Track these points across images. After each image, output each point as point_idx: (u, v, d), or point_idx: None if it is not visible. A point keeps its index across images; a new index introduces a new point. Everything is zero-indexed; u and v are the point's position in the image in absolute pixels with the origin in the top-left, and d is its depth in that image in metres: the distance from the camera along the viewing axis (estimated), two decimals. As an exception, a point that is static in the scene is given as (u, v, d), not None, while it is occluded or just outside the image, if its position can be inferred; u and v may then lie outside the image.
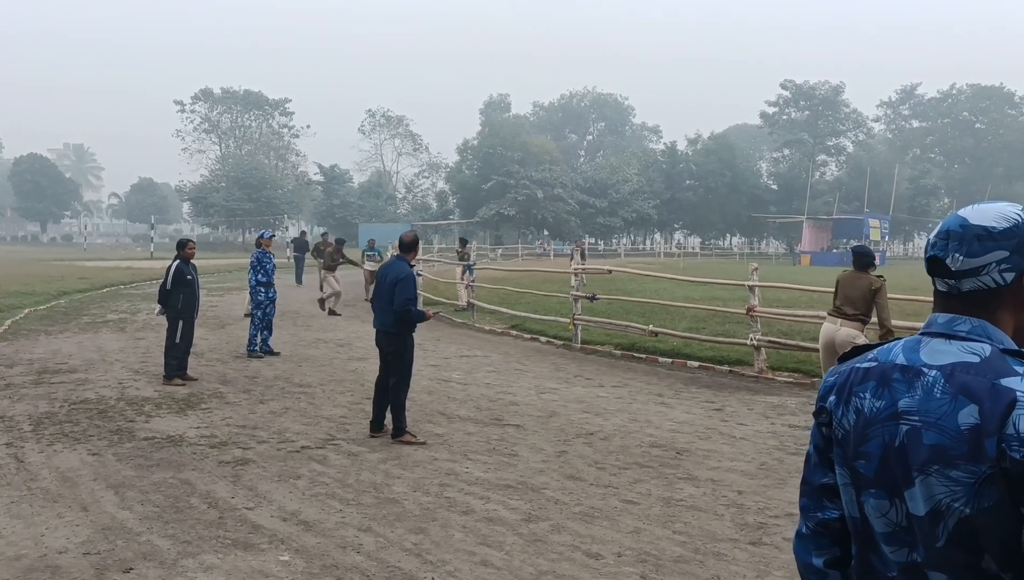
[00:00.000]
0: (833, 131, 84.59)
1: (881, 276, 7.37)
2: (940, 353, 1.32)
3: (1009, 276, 1.31)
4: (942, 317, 1.36)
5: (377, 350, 7.40)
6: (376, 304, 7.24)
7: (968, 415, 1.23)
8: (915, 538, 1.31)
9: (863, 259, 7.45)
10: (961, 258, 1.33)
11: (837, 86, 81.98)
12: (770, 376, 10.33)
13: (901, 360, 1.35)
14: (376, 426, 7.13)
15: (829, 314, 7.48)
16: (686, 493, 5.65)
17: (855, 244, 7.76)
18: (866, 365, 1.41)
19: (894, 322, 10.48)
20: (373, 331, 7.44)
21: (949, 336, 1.33)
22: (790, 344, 10.88)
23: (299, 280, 25.71)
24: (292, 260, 26.96)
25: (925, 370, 1.31)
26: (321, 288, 19.61)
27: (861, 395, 1.39)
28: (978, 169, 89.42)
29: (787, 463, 6.46)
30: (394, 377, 7.00)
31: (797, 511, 5.29)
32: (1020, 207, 1.35)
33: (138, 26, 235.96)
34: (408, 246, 7.36)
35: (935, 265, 1.36)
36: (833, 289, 7.66)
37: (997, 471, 1.20)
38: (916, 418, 1.29)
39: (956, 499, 1.23)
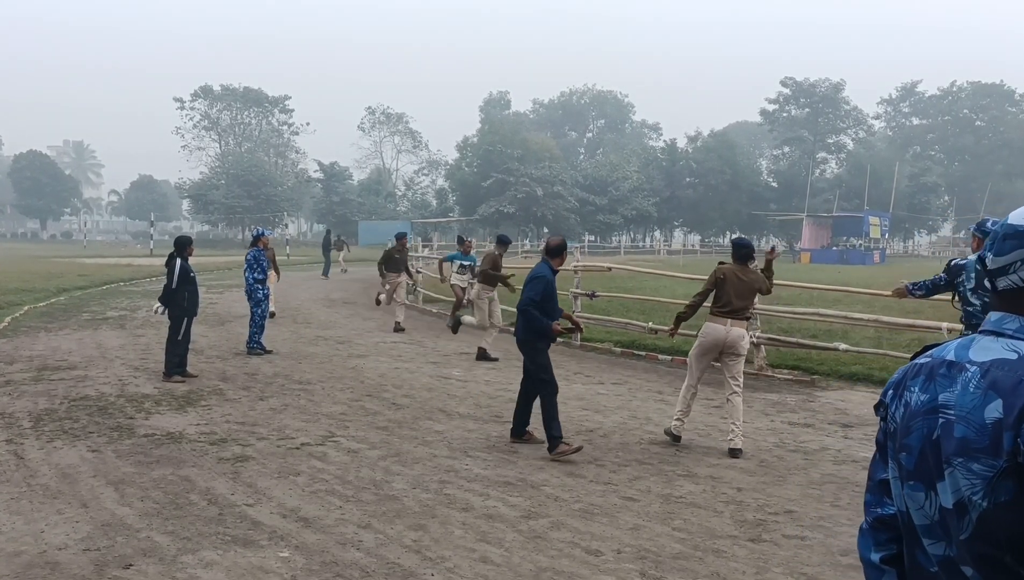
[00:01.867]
0: (833, 128, 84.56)
1: (760, 270, 7.12)
2: (985, 350, 1.33)
3: None
4: (994, 315, 1.38)
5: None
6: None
7: (993, 410, 1.24)
8: (946, 532, 1.32)
9: (745, 250, 6.94)
10: (991, 256, 1.36)
11: (837, 83, 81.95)
12: (769, 373, 10.34)
13: (951, 356, 1.37)
14: (515, 433, 6.90)
15: (715, 315, 6.77)
16: (685, 490, 5.65)
17: (734, 237, 7.07)
18: (923, 361, 1.44)
19: (898, 319, 10.56)
20: (372, 329, 7.44)
21: (997, 334, 1.34)
22: (790, 341, 10.88)
23: (325, 273, 29.25)
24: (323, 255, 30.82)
25: (968, 366, 1.32)
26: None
27: (911, 389, 1.41)
28: (978, 166, 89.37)
29: (786, 460, 6.47)
30: (536, 388, 6.67)
31: (796, 508, 5.32)
32: None
33: (138, 24, 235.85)
34: (554, 251, 6.85)
35: (982, 264, 1.40)
36: (711, 285, 6.90)
37: (1013, 465, 1.21)
38: (952, 412, 1.31)
39: (976, 492, 1.25)
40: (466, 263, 14.03)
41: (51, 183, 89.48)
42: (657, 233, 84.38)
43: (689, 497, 5.49)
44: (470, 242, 15.36)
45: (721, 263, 7.04)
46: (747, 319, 6.87)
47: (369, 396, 8.74)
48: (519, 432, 6.87)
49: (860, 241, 61.78)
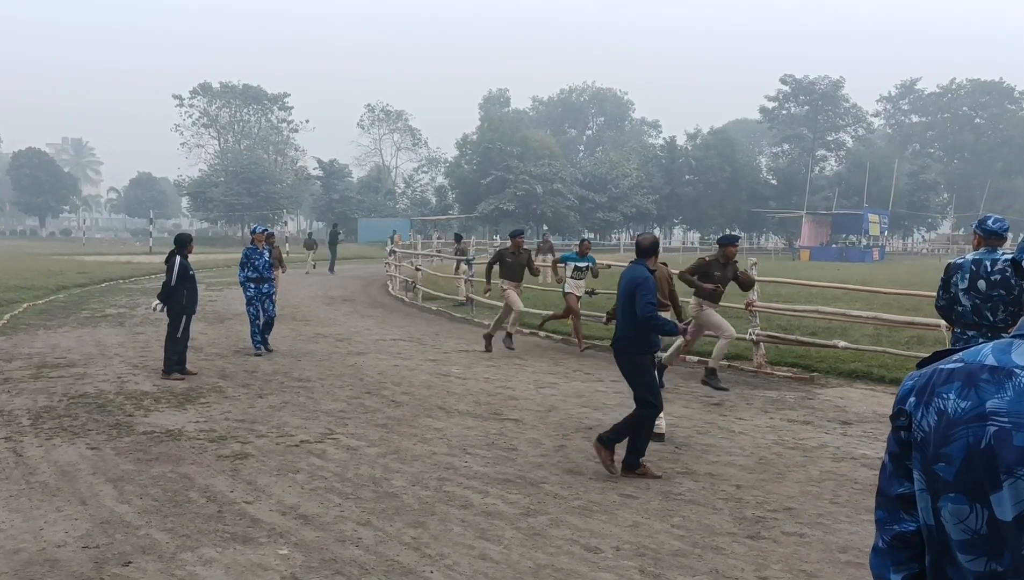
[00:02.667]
0: (833, 126, 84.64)
1: (666, 263, 7.51)
2: None
3: None
4: None
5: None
6: (617, 319, 6.32)
7: None
8: (996, 546, 1.25)
9: (654, 248, 7.28)
10: None
11: (837, 81, 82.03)
12: (769, 371, 10.34)
13: (991, 361, 1.30)
14: (607, 440, 6.03)
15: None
16: (684, 487, 5.65)
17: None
18: (951, 366, 1.36)
19: (897, 317, 10.57)
20: (374, 325, 7.41)
21: None
22: (789, 339, 10.89)
23: (331, 269, 29.60)
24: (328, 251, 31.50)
25: (1018, 371, 1.26)
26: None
27: (944, 396, 1.33)
28: (978, 164, 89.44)
29: (785, 457, 6.47)
30: (636, 403, 5.96)
31: (795, 505, 5.30)
32: None
33: (136, 22, 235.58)
34: (649, 250, 6.36)
35: (1017, 268, 1.36)
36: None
37: None
38: (1006, 419, 1.24)
39: None
40: (582, 265, 12.18)
41: (50, 180, 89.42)
42: (657, 230, 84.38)
43: (688, 494, 5.50)
44: (588, 242, 13.54)
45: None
46: (666, 308, 7.71)
47: (368, 393, 8.75)
48: (609, 444, 5.98)
49: (859, 238, 61.80)
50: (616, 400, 8.60)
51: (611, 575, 4.16)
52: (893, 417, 1.43)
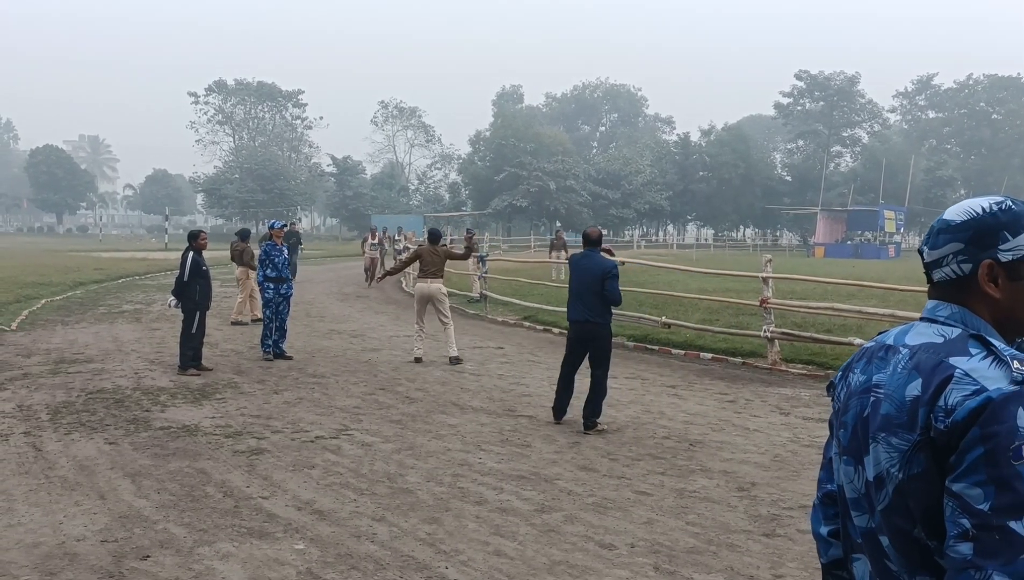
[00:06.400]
0: (848, 122, 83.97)
1: (445, 245, 10.51)
2: (919, 335, 1.42)
3: (967, 267, 1.39)
4: (930, 303, 1.47)
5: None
6: (579, 296, 7.27)
7: (913, 388, 1.33)
8: (871, 504, 1.41)
9: (435, 235, 11.34)
10: (927, 250, 1.45)
11: (852, 76, 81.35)
12: (783, 368, 10.29)
13: (890, 341, 1.47)
14: (561, 414, 7.44)
15: (421, 278, 10.68)
16: (699, 484, 5.64)
17: (430, 228, 11.77)
18: (868, 345, 1.53)
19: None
20: (387, 322, 7.44)
21: (931, 320, 1.43)
22: (804, 336, 10.83)
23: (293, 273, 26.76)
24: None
25: (902, 349, 1.41)
26: None
27: (854, 370, 1.51)
28: (995, 160, 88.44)
29: (800, 455, 6.44)
30: (601, 368, 7.20)
31: (810, 503, 5.26)
32: (999, 200, 1.40)
33: (152, 18, 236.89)
34: (599, 240, 7.48)
35: (920, 257, 1.48)
36: (411, 258, 11.28)
37: (925, 440, 1.29)
38: (882, 391, 1.40)
39: (893, 465, 1.34)
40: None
41: (67, 177, 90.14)
42: (670, 227, 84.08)
43: (703, 491, 5.48)
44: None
45: (420, 245, 10.77)
46: (441, 277, 10.62)
47: (383, 390, 8.78)
48: (564, 414, 7.49)
49: (875, 235, 61.29)
50: (629, 397, 8.59)
51: (626, 572, 4.16)
52: (827, 389, 1.64)
